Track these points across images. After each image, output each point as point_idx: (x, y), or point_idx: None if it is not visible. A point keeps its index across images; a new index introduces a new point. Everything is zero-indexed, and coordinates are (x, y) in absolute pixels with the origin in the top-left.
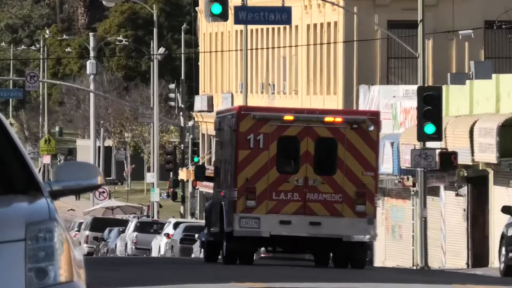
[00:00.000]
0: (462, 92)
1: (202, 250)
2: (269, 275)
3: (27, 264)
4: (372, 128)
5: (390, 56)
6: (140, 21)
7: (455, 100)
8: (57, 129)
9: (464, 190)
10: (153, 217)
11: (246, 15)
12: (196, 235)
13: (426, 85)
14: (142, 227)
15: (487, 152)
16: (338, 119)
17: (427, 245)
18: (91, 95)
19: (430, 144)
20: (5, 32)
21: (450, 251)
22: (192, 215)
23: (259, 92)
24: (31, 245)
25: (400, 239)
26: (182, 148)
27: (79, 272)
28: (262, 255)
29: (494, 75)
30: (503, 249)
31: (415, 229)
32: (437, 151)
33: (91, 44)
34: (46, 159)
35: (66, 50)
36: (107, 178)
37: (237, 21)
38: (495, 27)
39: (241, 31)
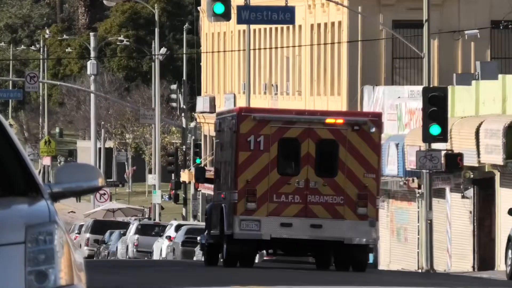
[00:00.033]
0: (468, 92)
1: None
2: (270, 278)
3: (27, 267)
4: (373, 129)
5: (395, 56)
6: (142, 21)
7: (461, 101)
8: (57, 130)
9: (470, 192)
10: (154, 219)
11: (249, 15)
12: (198, 238)
13: (431, 85)
14: (144, 230)
15: (493, 154)
16: (340, 121)
17: (432, 248)
18: (92, 96)
19: (435, 146)
20: (4, 32)
21: (456, 254)
22: (194, 217)
23: (262, 93)
24: (31, 248)
25: (405, 242)
26: (184, 149)
27: (79, 275)
28: (265, 258)
29: (500, 76)
30: (510, 252)
31: (420, 231)
32: (443, 153)
33: (92, 44)
34: (46, 161)
35: (67, 50)
36: (108, 180)
37: (239, 20)
38: (501, 27)
39: (244, 31)
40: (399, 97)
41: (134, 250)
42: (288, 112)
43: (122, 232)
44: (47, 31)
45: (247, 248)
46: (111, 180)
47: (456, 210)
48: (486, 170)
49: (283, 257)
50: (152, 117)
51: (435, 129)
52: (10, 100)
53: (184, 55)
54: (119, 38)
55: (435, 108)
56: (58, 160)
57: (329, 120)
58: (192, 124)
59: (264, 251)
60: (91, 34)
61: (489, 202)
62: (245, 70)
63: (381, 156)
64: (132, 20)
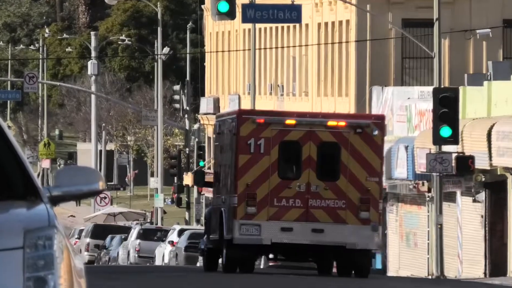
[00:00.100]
0: (480, 93)
1: (201, 258)
2: (270, 284)
3: (25, 273)
4: (376, 132)
5: (404, 56)
6: (144, 19)
7: (472, 102)
8: (57, 132)
9: (481, 195)
10: (156, 224)
11: (254, 13)
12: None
13: (442, 86)
14: (145, 235)
15: (505, 156)
16: (342, 123)
17: (443, 253)
18: (93, 96)
19: (446, 148)
20: (3, 31)
21: (467, 260)
22: (198, 221)
23: (267, 94)
24: (29, 253)
25: (414, 247)
26: (187, 152)
27: (79, 281)
28: (270, 263)
29: None
30: None
31: (430, 236)
32: (454, 155)
33: (93, 43)
34: (46, 164)
35: (67, 50)
36: (108, 183)
37: (244, 19)
38: None
39: (249, 30)
40: (408, 98)
41: (136, 255)
42: (289, 114)
43: (123, 237)
44: (47, 30)
45: (247, 253)
46: (112, 183)
47: (467, 214)
48: (498, 173)
49: (289, 262)
50: (154, 119)
51: (445, 131)
52: (8, 101)
53: (188, 55)
54: (121, 37)
55: (446, 109)
56: (58, 163)
57: (331, 123)
58: (196, 126)
59: (269, 256)
60: (92, 33)
61: (501, 206)
62: (250, 70)
63: (383, 159)
64: (134, 18)
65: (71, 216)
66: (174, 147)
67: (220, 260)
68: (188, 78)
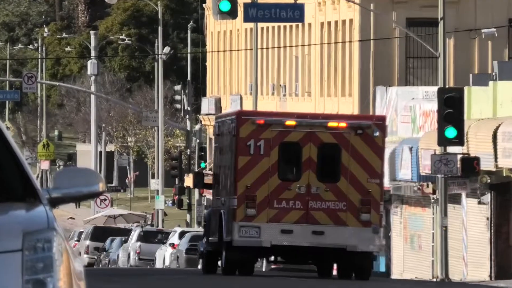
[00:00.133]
0: (485, 94)
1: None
2: (269, 286)
3: (24, 276)
4: (377, 133)
5: (409, 55)
6: (144, 18)
7: (478, 102)
8: (56, 133)
9: (487, 197)
10: (157, 226)
11: (256, 13)
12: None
13: (447, 86)
14: (146, 237)
15: (511, 157)
16: (342, 124)
17: (447, 256)
18: (92, 97)
19: (451, 149)
20: (1, 31)
21: (472, 262)
22: (199, 224)
23: (269, 94)
24: (28, 256)
25: (419, 250)
26: (188, 153)
27: (79, 284)
28: (272, 266)
29: None
30: None
31: (435, 239)
32: (459, 157)
33: (92, 43)
34: (45, 165)
35: (66, 49)
36: (108, 185)
37: (246, 18)
38: None
39: (251, 29)
40: (413, 98)
41: (136, 258)
42: (289, 115)
43: (123, 239)
44: (46, 30)
45: (246, 255)
46: (112, 185)
47: (472, 216)
48: (504, 174)
49: (291, 265)
50: (155, 119)
51: (450, 132)
52: (7, 102)
53: (189, 54)
54: (121, 36)
55: (451, 110)
56: (57, 164)
57: (332, 124)
58: (197, 127)
59: (271, 259)
60: (92, 32)
61: (507, 208)
62: (252, 70)
63: (384, 160)
64: (134, 18)
65: (71, 218)
66: (175, 148)
67: (219, 263)
68: (189, 78)
